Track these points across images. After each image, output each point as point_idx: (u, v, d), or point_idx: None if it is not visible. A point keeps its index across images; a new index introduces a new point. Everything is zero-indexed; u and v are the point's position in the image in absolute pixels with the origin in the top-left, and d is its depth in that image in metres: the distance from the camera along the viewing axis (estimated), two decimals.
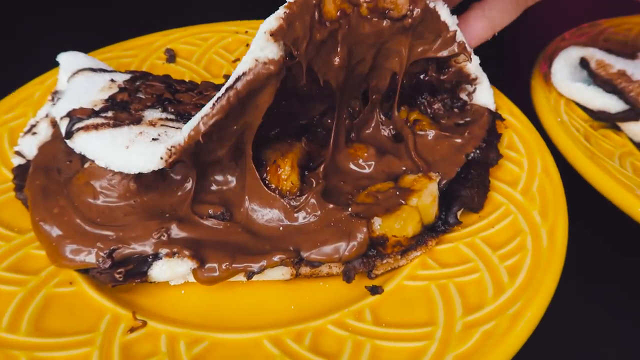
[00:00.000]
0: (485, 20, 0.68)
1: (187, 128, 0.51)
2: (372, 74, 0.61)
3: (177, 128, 0.58)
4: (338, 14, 0.53)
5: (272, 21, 0.49)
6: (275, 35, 0.49)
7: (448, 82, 0.65)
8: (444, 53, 0.59)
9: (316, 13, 0.52)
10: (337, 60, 0.55)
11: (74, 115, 0.57)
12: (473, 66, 0.64)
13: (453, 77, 0.64)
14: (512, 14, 0.69)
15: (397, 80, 0.61)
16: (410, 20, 0.56)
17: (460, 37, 0.60)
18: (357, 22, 0.55)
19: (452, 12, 0.60)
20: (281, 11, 0.50)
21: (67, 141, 0.56)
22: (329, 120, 0.63)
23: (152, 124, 0.58)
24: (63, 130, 0.57)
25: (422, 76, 0.64)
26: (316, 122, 0.64)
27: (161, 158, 0.51)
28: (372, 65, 0.60)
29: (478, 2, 0.70)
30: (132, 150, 0.52)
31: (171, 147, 0.51)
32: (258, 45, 0.49)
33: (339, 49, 0.55)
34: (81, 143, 0.55)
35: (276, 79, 0.51)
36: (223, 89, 0.50)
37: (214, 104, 0.50)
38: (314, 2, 0.51)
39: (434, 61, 0.62)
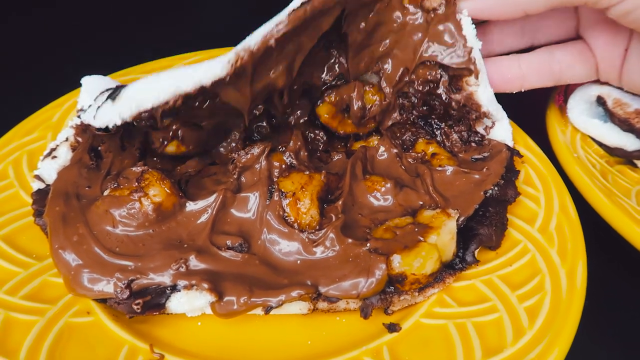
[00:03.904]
0: (519, 73, 0.69)
1: (259, 34, 0.53)
2: (385, 59, 0.67)
3: None
4: None
5: None
6: None
7: (457, 103, 0.66)
8: (454, 61, 0.64)
9: None
10: (362, 25, 0.63)
11: None
12: (484, 97, 0.65)
13: (462, 99, 0.66)
14: (545, 80, 0.70)
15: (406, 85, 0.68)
16: (434, 15, 0.63)
17: (476, 55, 0.63)
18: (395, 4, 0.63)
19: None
20: None
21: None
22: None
23: None
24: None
25: (432, 85, 0.67)
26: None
27: (229, 62, 0.52)
28: (387, 51, 0.66)
29: (515, 54, 0.71)
30: (199, 67, 0.53)
31: (241, 50, 0.52)
32: None
33: (370, 16, 0.63)
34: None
35: (339, 6, 0.57)
36: (299, 3, 0.54)
37: (289, 14, 0.53)
38: None
39: (446, 74, 0.66)
